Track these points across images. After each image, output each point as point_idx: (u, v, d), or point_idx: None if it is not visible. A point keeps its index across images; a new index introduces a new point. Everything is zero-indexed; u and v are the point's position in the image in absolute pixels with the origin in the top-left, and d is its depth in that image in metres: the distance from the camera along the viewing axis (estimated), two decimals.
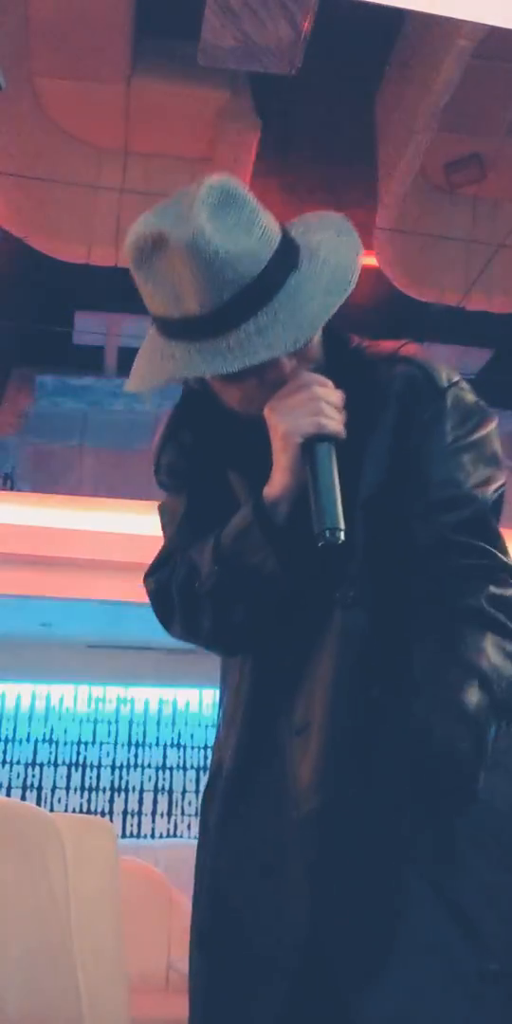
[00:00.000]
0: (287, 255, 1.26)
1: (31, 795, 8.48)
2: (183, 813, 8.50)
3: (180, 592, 1.36)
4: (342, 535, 1.22)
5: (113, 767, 8.66)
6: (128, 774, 8.65)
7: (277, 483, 1.29)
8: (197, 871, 1.40)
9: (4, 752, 8.58)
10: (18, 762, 8.58)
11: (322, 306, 1.25)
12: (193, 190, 1.24)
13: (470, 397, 1.40)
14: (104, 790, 8.59)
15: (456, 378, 1.40)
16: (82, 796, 8.55)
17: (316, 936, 1.21)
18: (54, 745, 8.67)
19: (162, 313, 1.28)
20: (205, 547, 1.33)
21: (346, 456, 1.28)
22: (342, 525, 1.22)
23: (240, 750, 1.37)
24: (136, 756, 8.71)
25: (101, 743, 8.72)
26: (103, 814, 8.28)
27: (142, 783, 8.63)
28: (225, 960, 1.31)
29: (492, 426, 1.39)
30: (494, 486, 1.35)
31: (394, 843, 1.20)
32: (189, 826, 8.35)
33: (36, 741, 8.66)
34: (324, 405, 1.27)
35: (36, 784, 8.56)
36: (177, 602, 1.37)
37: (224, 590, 1.32)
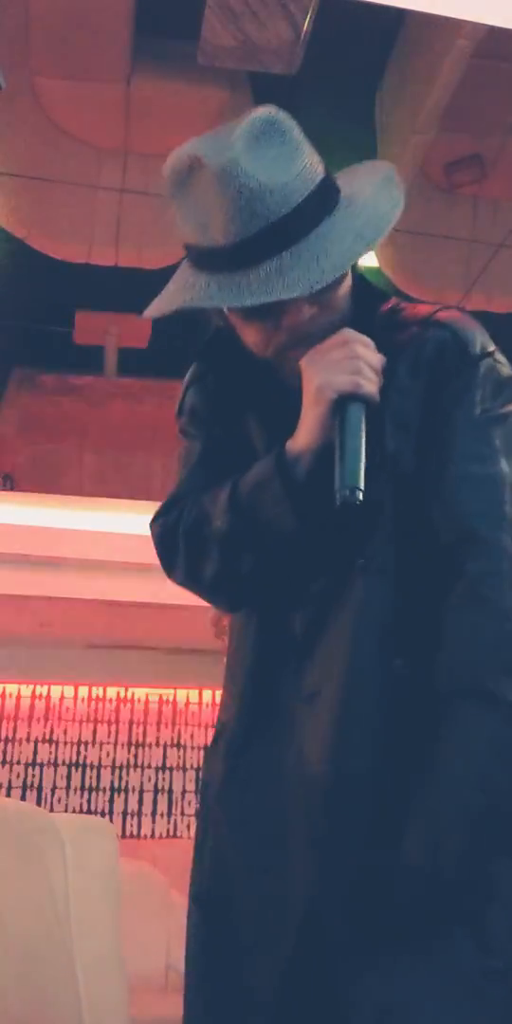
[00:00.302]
0: (323, 198, 1.23)
1: (31, 795, 8.48)
2: (183, 813, 8.49)
3: (187, 536, 1.33)
4: (361, 495, 1.18)
5: (113, 767, 8.66)
6: (128, 774, 8.64)
7: (303, 437, 1.25)
8: (197, 832, 1.38)
9: (4, 752, 8.58)
10: (18, 762, 8.58)
11: (344, 255, 1.21)
12: (240, 119, 1.22)
13: (505, 370, 1.34)
14: (104, 790, 8.59)
15: (491, 348, 1.35)
16: (82, 796, 8.54)
17: (315, 913, 1.19)
18: (54, 745, 8.67)
19: (191, 241, 1.26)
20: (220, 493, 1.30)
21: (373, 419, 1.24)
22: (362, 486, 1.18)
23: (242, 712, 1.34)
24: (136, 756, 8.71)
25: (101, 743, 8.72)
26: (103, 814, 8.28)
27: (142, 783, 8.63)
28: (222, 929, 1.29)
29: None
30: None
31: (398, 824, 1.17)
32: (189, 826, 8.34)
33: (36, 741, 8.66)
34: (363, 365, 1.23)
35: (36, 784, 8.55)
36: (182, 546, 1.33)
37: (236, 538, 1.28)
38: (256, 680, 1.33)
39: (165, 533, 1.37)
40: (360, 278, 1.37)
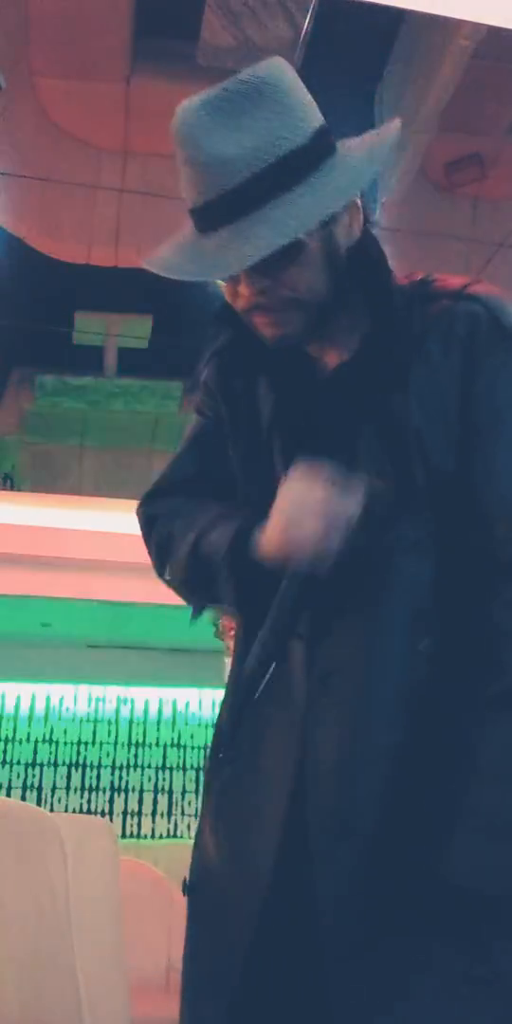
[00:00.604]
0: (285, 173, 1.16)
1: (31, 795, 8.49)
2: (183, 813, 8.50)
3: (157, 548, 1.38)
4: (259, 690, 1.21)
5: (113, 767, 8.67)
6: (128, 774, 8.65)
7: (262, 545, 1.22)
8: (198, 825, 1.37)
9: (4, 752, 8.59)
10: (18, 762, 8.59)
11: (259, 246, 1.14)
12: (229, 79, 1.20)
13: None
14: (104, 790, 8.59)
15: None
16: (82, 796, 8.55)
17: (310, 906, 1.15)
18: (54, 745, 8.68)
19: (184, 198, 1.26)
20: (187, 533, 1.31)
21: (400, 395, 1.21)
22: (267, 676, 1.21)
23: (238, 692, 1.31)
24: (136, 756, 8.71)
25: (101, 743, 8.72)
26: (103, 814, 8.28)
27: (142, 783, 8.63)
28: (204, 909, 1.28)
29: None
30: None
31: (415, 816, 1.13)
32: (189, 826, 8.35)
33: (36, 741, 8.67)
34: (330, 540, 1.16)
35: (36, 784, 8.56)
36: (153, 550, 1.39)
37: (189, 585, 1.35)
38: (264, 660, 1.29)
39: (144, 525, 1.42)
40: (362, 251, 1.29)
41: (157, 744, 8.77)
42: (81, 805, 8.49)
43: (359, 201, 1.26)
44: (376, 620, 1.19)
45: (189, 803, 8.52)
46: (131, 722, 8.80)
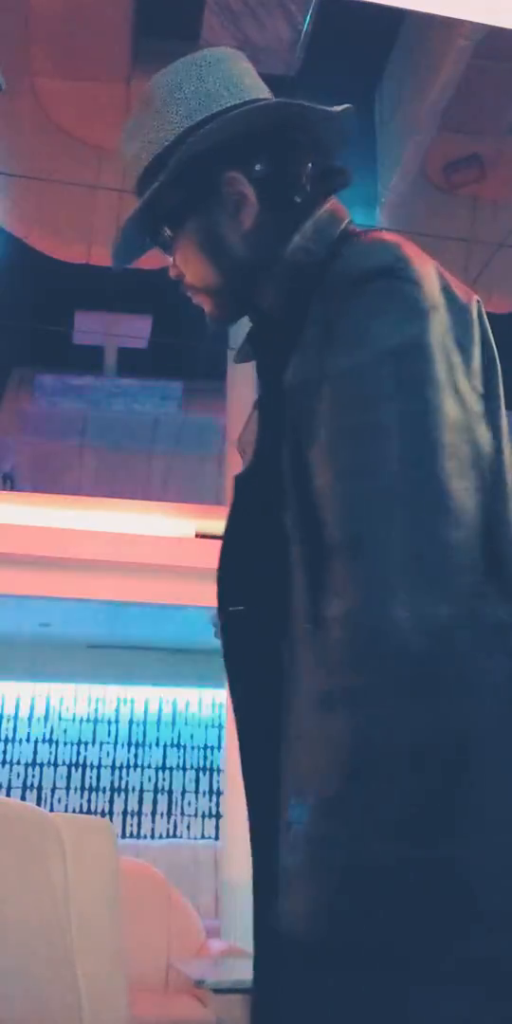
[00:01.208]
0: (149, 176, 1.20)
1: (31, 795, 8.48)
2: (183, 813, 8.49)
3: None
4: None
5: (113, 767, 8.66)
6: (128, 774, 8.65)
7: None
8: None
9: (4, 752, 8.59)
10: (18, 762, 8.59)
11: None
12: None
13: (412, 287, 1.02)
14: (104, 790, 8.59)
15: (392, 264, 1.04)
16: (82, 796, 8.55)
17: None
18: (54, 745, 8.68)
19: None
20: None
21: (285, 370, 1.12)
22: None
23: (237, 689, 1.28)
24: (136, 756, 8.71)
25: (101, 743, 8.72)
26: (103, 814, 8.28)
27: (142, 783, 8.63)
28: None
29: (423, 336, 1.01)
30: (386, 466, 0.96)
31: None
32: (189, 826, 8.35)
33: (36, 741, 8.66)
34: None
35: (36, 784, 8.56)
36: None
37: None
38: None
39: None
40: (261, 235, 1.21)
41: (157, 744, 8.77)
42: (81, 805, 8.49)
43: (247, 191, 1.19)
44: (290, 599, 1.10)
45: (189, 803, 8.51)
46: (131, 722, 8.81)
